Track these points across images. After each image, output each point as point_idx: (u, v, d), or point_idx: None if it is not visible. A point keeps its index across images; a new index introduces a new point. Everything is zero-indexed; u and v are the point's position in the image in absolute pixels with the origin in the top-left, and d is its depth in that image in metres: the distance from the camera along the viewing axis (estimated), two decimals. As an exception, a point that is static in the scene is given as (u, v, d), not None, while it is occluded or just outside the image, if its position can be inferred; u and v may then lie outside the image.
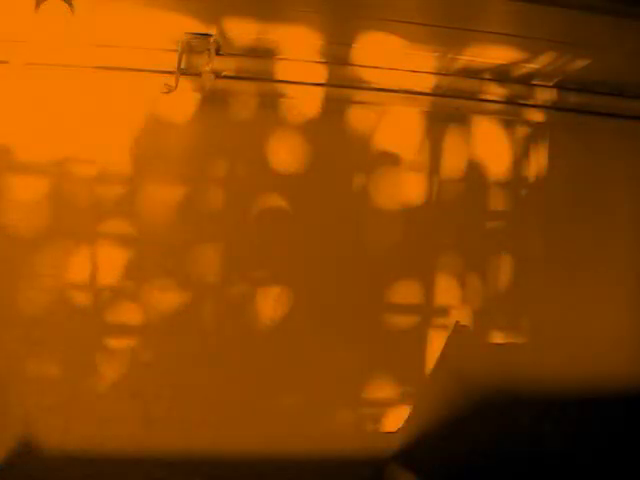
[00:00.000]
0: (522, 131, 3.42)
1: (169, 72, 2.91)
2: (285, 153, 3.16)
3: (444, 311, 3.36)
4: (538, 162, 3.45)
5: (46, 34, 2.74)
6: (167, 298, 3.07)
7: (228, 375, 3.14)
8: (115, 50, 2.90)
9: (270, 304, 3.17)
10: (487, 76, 3.23)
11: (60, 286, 2.98)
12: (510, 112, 3.33)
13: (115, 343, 3.04)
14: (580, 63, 3.04)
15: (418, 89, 3.19)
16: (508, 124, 3.38)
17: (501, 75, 3.23)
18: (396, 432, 3.31)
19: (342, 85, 3.14)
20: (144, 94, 3.00)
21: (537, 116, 3.36)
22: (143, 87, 2.99)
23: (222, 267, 3.12)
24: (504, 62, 3.08)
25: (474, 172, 3.37)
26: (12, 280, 2.94)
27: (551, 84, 3.31)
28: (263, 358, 3.17)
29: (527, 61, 3.04)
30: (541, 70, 3.16)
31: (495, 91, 3.26)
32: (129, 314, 3.04)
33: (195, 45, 2.93)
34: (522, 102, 3.33)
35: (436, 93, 3.21)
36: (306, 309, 3.21)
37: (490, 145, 3.38)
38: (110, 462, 3.01)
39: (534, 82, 3.30)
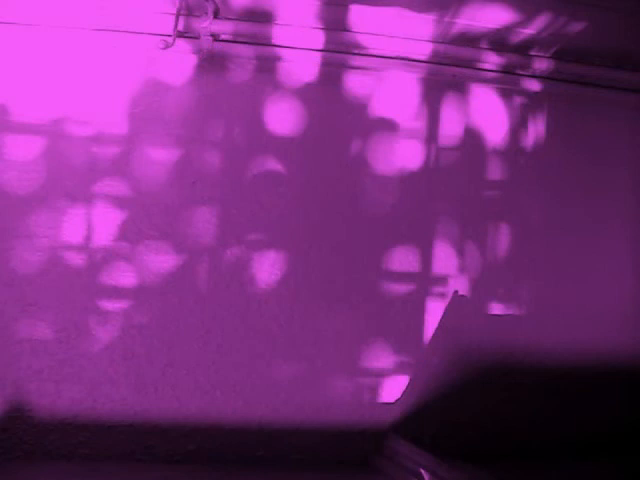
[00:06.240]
0: (519, 99, 3.41)
1: (167, 35, 2.93)
2: (282, 117, 3.15)
3: (442, 279, 3.32)
4: (536, 130, 3.44)
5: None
6: (162, 260, 3.04)
7: (223, 340, 3.09)
8: (113, 11, 2.92)
9: (266, 268, 3.14)
10: (484, 44, 3.24)
11: (54, 246, 2.95)
12: (507, 81, 3.33)
13: (109, 305, 3.00)
14: (577, 27, 3.04)
15: (415, 56, 3.20)
16: (505, 92, 3.38)
17: (498, 43, 3.23)
18: (394, 402, 3.25)
19: (339, 50, 3.15)
20: (142, 55, 3.01)
21: (534, 85, 3.36)
22: (141, 48, 3.00)
23: (218, 229, 3.09)
24: (501, 27, 3.07)
25: (472, 140, 3.36)
26: (6, 240, 2.92)
27: (548, 54, 3.32)
28: (258, 323, 3.13)
29: (523, 24, 3.04)
30: (538, 36, 3.16)
31: (492, 59, 3.26)
32: (123, 275, 3.01)
33: (193, 7, 2.95)
34: (519, 72, 3.33)
35: (433, 60, 3.21)
36: (303, 275, 3.18)
37: (488, 113, 3.37)
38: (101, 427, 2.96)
39: (532, 52, 3.31)
